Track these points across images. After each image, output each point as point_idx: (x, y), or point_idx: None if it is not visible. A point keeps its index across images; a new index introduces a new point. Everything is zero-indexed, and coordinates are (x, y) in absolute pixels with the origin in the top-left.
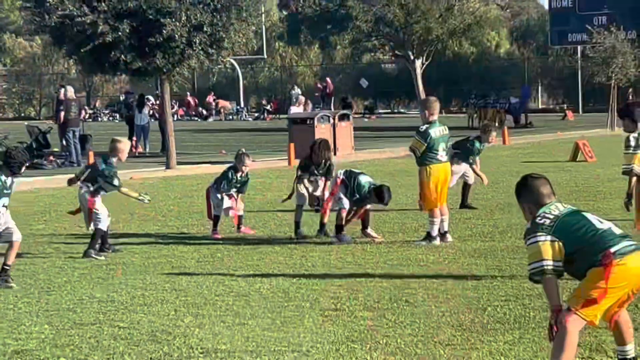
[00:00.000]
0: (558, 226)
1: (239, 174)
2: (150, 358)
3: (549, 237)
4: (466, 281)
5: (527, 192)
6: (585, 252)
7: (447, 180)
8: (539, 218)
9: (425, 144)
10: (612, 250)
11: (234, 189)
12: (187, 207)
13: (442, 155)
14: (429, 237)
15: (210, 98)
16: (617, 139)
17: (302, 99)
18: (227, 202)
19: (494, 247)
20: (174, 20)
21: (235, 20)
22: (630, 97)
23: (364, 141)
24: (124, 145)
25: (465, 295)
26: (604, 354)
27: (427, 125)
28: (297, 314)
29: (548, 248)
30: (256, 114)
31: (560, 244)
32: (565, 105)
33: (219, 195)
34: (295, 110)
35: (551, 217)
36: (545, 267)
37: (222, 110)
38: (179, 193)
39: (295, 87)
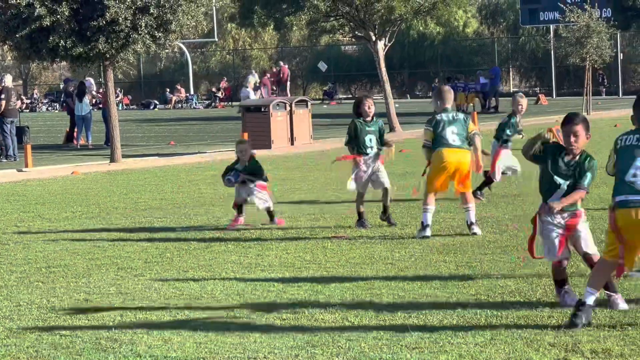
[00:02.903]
0: (619, 150)
1: (238, 165)
2: None
3: (613, 154)
4: (434, 279)
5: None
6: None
7: (464, 166)
8: (623, 134)
9: (432, 129)
10: (617, 199)
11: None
12: (134, 204)
13: (454, 139)
14: (421, 225)
15: (223, 84)
16: (593, 125)
17: (251, 79)
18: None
19: (464, 242)
20: (117, 1)
21: (183, 1)
22: (602, 79)
23: (323, 129)
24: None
25: (433, 295)
26: (581, 355)
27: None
28: (253, 317)
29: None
30: (207, 102)
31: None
32: (538, 89)
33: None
34: (252, 94)
35: (626, 144)
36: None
37: (172, 97)
38: (125, 188)
39: (254, 72)
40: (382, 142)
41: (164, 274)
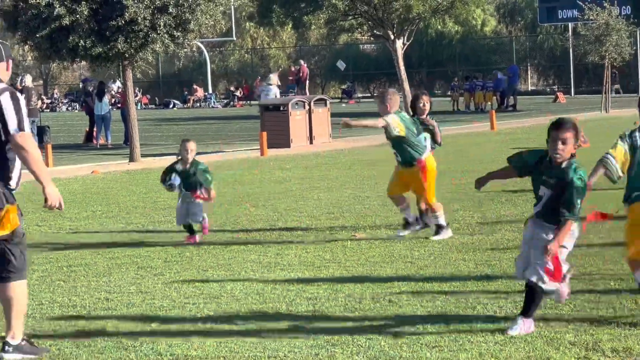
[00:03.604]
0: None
1: (179, 165)
2: None
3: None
4: (453, 278)
5: None
6: None
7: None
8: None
9: (405, 128)
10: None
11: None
12: (153, 203)
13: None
14: (440, 229)
15: (258, 83)
16: (612, 123)
17: (272, 77)
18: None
19: (483, 240)
20: (136, 1)
21: (202, 0)
22: (614, 77)
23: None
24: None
25: (452, 293)
26: (601, 354)
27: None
28: (272, 316)
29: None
30: (225, 101)
31: None
32: (556, 87)
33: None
34: (278, 92)
35: None
36: None
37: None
38: (144, 188)
39: (271, 76)
40: (434, 139)
41: (183, 273)
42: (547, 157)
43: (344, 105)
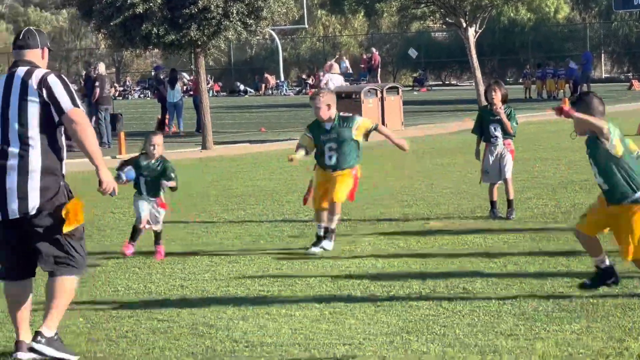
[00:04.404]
0: None
1: (142, 160)
2: (192, 352)
3: None
4: (528, 266)
5: None
6: None
7: None
8: None
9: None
10: None
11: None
12: (226, 190)
13: None
14: (330, 232)
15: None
16: None
17: (333, 65)
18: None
19: (558, 229)
20: None
21: None
22: None
23: (413, 116)
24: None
25: (527, 282)
26: None
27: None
28: (347, 304)
29: None
30: (297, 88)
31: None
32: (630, 74)
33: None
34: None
35: None
36: None
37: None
38: (217, 175)
39: (335, 64)
40: (505, 130)
41: (257, 260)
42: None
43: (415, 93)
